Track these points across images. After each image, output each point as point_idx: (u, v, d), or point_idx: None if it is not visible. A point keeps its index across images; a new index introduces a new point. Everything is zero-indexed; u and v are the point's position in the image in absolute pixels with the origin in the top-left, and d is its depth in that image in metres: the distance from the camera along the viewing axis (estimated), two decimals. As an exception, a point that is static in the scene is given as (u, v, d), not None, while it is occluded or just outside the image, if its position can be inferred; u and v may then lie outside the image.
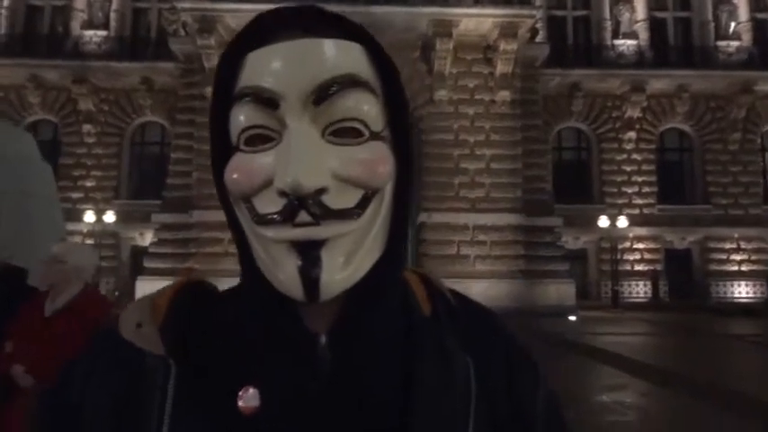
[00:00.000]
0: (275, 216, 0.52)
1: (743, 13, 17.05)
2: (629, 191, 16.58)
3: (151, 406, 0.52)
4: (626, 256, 16.08)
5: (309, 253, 0.51)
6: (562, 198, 15.46)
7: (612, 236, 15.46)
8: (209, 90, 12.58)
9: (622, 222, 15.42)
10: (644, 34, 16.79)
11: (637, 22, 16.74)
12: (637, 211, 16.30)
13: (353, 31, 0.56)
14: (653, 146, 17.01)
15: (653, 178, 16.73)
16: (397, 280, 0.60)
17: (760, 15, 17.48)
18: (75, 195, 15.77)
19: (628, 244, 16.17)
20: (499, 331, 0.67)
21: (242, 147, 0.54)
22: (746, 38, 16.90)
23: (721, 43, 16.70)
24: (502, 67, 14.25)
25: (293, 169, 0.50)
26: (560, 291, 13.35)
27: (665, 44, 17.20)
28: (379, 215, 0.55)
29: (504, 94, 14.38)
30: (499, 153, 14.24)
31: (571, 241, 15.77)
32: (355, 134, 0.53)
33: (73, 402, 0.55)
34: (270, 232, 0.52)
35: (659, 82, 16.37)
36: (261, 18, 0.56)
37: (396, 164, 0.56)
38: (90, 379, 0.55)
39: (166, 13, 16.04)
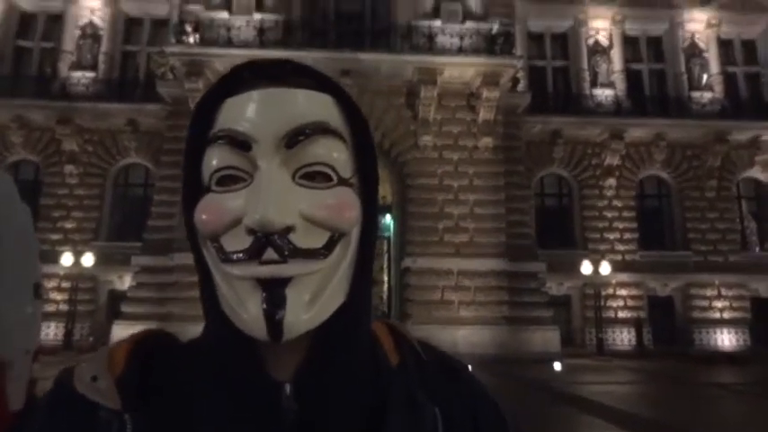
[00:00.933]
0: (242, 254, 0.52)
1: (714, 66, 17.78)
2: (611, 237, 16.78)
3: None
4: (609, 303, 16.11)
5: (274, 291, 0.51)
6: (545, 244, 15.58)
7: (596, 282, 15.52)
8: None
9: (605, 268, 15.51)
10: (621, 84, 17.37)
11: (613, 72, 17.33)
12: (619, 258, 16.45)
13: (325, 84, 0.58)
14: (633, 192, 17.33)
15: (634, 225, 16.98)
16: (363, 326, 0.59)
17: (730, 69, 18.22)
18: (54, 237, 15.50)
19: (611, 290, 16.23)
20: (468, 383, 0.66)
21: (213, 187, 0.55)
22: (718, 89, 17.56)
23: (695, 94, 17.31)
24: (485, 114, 14.57)
25: (263, 206, 0.51)
26: (545, 338, 13.27)
27: (641, 94, 17.80)
28: (344, 258, 0.56)
29: (487, 141, 14.66)
30: (483, 198, 14.39)
31: (555, 287, 15.79)
32: (324, 179, 0.55)
33: None
34: (236, 270, 0.52)
35: (637, 130, 16.84)
36: (238, 68, 0.58)
37: (362, 210, 0.58)
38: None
39: (155, 56, 16.25)
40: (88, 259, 14.80)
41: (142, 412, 0.54)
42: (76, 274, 14.72)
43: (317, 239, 0.54)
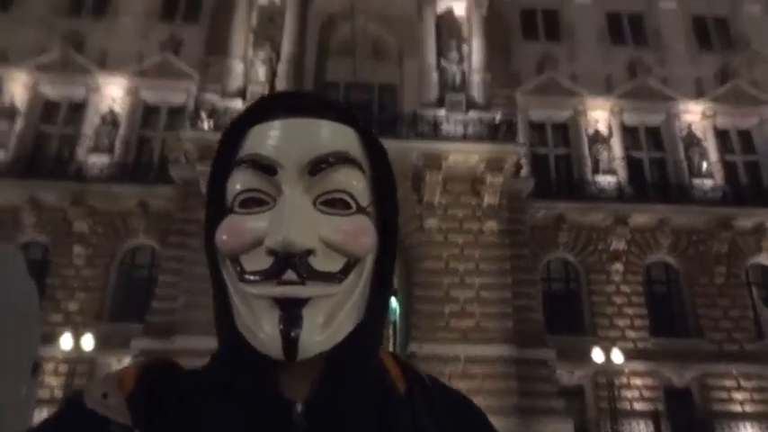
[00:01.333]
0: (261, 274, 0.54)
1: (713, 154, 18.19)
2: (621, 323, 16.43)
3: None
4: (624, 393, 15.48)
5: (291, 311, 0.53)
6: (553, 329, 15.25)
7: (608, 370, 15.00)
8: (204, 214, 13.02)
9: (617, 356, 15.04)
10: (622, 171, 17.72)
11: (614, 159, 17.74)
12: (631, 345, 16.01)
13: (347, 117, 0.63)
14: (640, 278, 17.17)
15: (643, 311, 16.67)
16: (374, 351, 0.61)
17: (729, 157, 18.63)
18: (56, 318, 15.35)
19: (625, 380, 15.65)
20: (475, 416, 0.65)
21: (236, 209, 0.58)
22: (719, 177, 17.87)
23: (696, 181, 17.59)
24: (489, 199, 14.80)
25: (287, 228, 0.53)
26: (558, 430, 12.65)
27: (643, 180, 18.10)
28: (359, 284, 0.58)
29: (493, 224, 14.78)
30: (489, 282, 14.29)
31: (566, 375, 15.27)
32: (343, 206, 0.58)
33: None
34: (254, 289, 0.54)
35: (641, 216, 16.96)
36: (265, 99, 0.62)
37: (378, 239, 0.60)
38: None
39: (169, 141, 16.85)
40: (88, 341, 14.51)
41: (152, 429, 0.54)
42: (75, 357, 14.40)
43: (335, 264, 0.56)
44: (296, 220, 0.54)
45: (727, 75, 19.18)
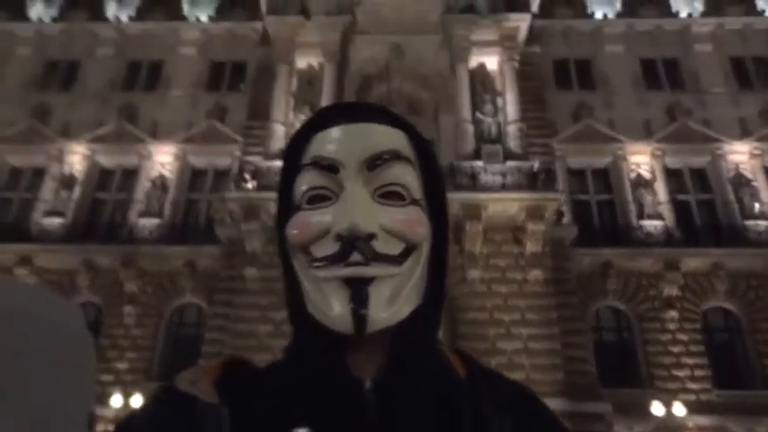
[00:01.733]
0: (330, 258, 0.61)
1: (764, 194, 17.54)
2: (681, 374, 15.52)
3: None
4: (689, 450, 14.44)
5: (359, 288, 0.60)
6: (607, 382, 14.53)
7: (670, 426, 14.10)
8: (248, 271, 13.16)
9: (678, 410, 14.16)
10: (669, 215, 17.23)
11: (659, 203, 17.31)
12: (693, 397, 15.05)
13: (398, 121, 0.71)
14: (698, 325, 16.32)
15: (704, 360, 15.74)
16: (435, 331, 0.66)
17: (783, 197, 17.89)
18: (107, 378, 15.63)
19: (689, 435, 14.63)
20: (532, 398, 0.68)
21: (304, 206, 0.66)
22: (773, 217, 17.13)
23: (749, 222, 16.91)
24: (532, 247, 14.60)
25: (350, 215, 0.61)
26: (619, 489, 11.84)
27: (691, 223, 17.52)
28: (417, 267, 0.65)
29: (537, 273, 14.50)
30: (536, 332, 13.88)
31: (624, 431, 14.40)
32: (398, 198, 0.65)
33: None
34: (324, 272, 0.62)
35: (693, 260, 16.33)
36: (324, 110, 0.71)
37: (432, 229, 0.67)
38: (150, 426, 0.58)
39: (215, 202, 17.49)
40: (137, 400, 14.69)
41: (237, 406, 0.61)
42: (125, 416, 14.54)
43: (395, 248, 0.63)
44: (359, 208, 0.62)
45: (773, 113, 18.75)
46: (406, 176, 0.66)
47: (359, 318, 0.59)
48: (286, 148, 0.71)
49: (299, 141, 0.70)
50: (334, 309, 0.60)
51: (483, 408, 0.64)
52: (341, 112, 0.69)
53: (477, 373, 0.70)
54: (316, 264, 0.62)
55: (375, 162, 0.65)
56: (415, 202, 0.67)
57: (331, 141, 0.66)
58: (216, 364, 0.67)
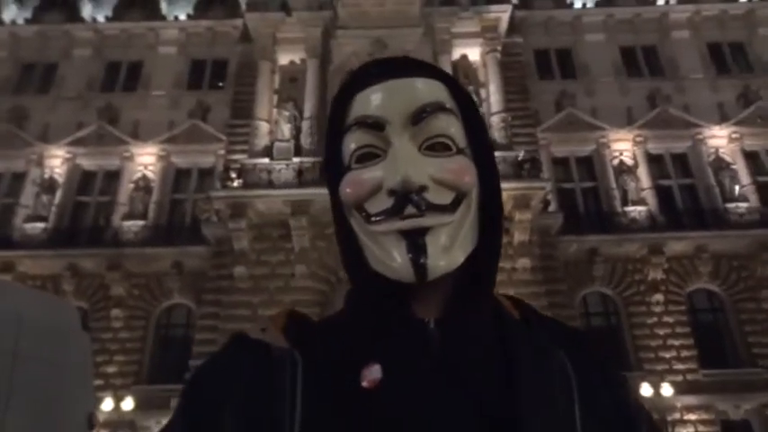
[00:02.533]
0: (385, 213, 0.63)
1: (744, 177, 17.87)
2: (667, 355, 15.81)
3: (283, 390, 0.58)
4: (678, 430, 14.74)
5: (416, 239, 0.62)
6: (598, 366, 14.74)
7: (659, 406, 14.34)
8: (237, 270, 13.08)
9: (667, 390, 14.44)
10: (652, 200, 17.48)
11: (643, 189, 17.55)
12: (680, 378, 15.35)
13: (437, 73, 0.72)
14: (683, 307, 16.63)
15: (690, 341, 16.05)
16: (490, 276, 0.67)
17: (761, 179, 18.26)
18: (97, 382, 15.43)
19: (677, 415, 14.93)
20: (589, 339, 0.70)
21: (353, 165, 0.67)
22: (753, 199, 17.48)
23: (730, 205, 17.23)
24: (519, 236, 14.73)
25: (401, 170, 0.63)
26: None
27: (674, 208, 17.80)
28: (469, 214, 0.67)
29: (525, 261, 14.65)
30: (526, 320, 14.01)
31: (615, 414, 14.62)
32: (444, 148, 0.67)
33: (210, 396, 0.58)
34: (381, 227, 0.63)
35: (676, 244, 16.61)
36: (363, 68, 0.72)
37: (479, 175, 0.69)
38: (226, 371, 0.59)
39: (200, 202, 17.34)
40: (128, 404, 14.59)
41: (308, 350, 0.63)
42: (116, 419, 14.45)
43: (446, 197, 0.65)
44: (409, 162, 0.63)
45: (749, 98, 19.10)
46: (451, 127, 0.68)
47: (419, 266, 0.61)
48: (330, 111, 0.72)
49: (341, 103, 0.71)
50: (395, 260, 0.62)
51: (539, 346, 0.66)
52: (380, 69, 0.70)
53: (531, 314, 0.73)
54: (372, 219, 0.64)
55: (419, 115, 0.66)
56: (460, 151, 0.68)
57: (373, 99, 0.67)
58: (281, 314, 0.69)
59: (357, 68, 0.73)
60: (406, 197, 0.62)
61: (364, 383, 0.59)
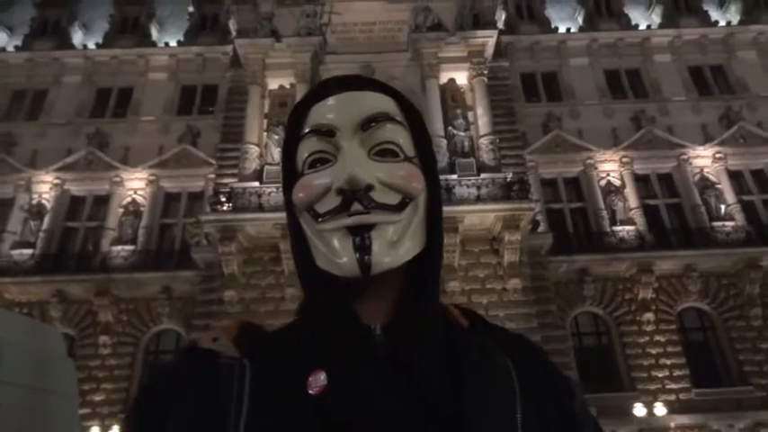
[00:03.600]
0: (333, 211, 0.67)
1: (729, 196, 18.11)
2: (660, 375, 15.78)
3: (229, 397, 0.59)
4: (673, 450, 14.63)
5: (362, 234, 0.66)
6: (588, 387, 14.61)
7: (653, 426, 14.29)
8: (228, 294, 12.95)
9: (660, 410, 14.38)
10: (640, 219, 17.63)
11: (631, 209, 17.72)
12: (673, 397, 15.31)
13: (387, 89, 0.76)
14: (673, 326, 16.67)
15: (681, 360, 16.05)
16: (435, 281, 0.70)
17: (746, 198, 18.52)
18: (83, 411, 15.15)
19: (672, 435, 14.83)
20: (533, 346, 0.73)
21: (306, 171, 0.71)
22: (739, 218, 17.68)
23: (716, 224, 17.42)
24: (509, 257, 14.77)
25: (350, 168, 0.67)
26: (607, 493, 11.89)
27: (662, 227, 17.95)
28: (415, 216, 0.70)
29: (515, 282, 14.66)
30: (518, 341, 13.97)
31: (609, 435, 14.51)
32: (392, 155, 0.71)
33: (159, 401, 0.60)
34: (329, 225, 0.67)
35: (665, 263, 16.71)
36: (321, 83, 0.76)
37: (425, 183, 0.72)
38: (175, 378, 0.61)
39: (189, 226, 17.25)
40: (115, 433, 14.28)
41: (257, 359, 0.65)
42: (102, 450, 14.12)
43: (392, 199, 0.68)
44: (355, 162, 0.67)
45: (731, 118, 19.47)
46: (399, 136, 0.71)
47: (363, 261, 0.63)
48: (287, 121, 0.76)
49: (298, 114, 0.74)
50: (341, 256, 0.65)
51: (485, 351, 0.68)
52: (335, 84, 0.74)
53: (478, 322, 0.75)
54: (321, 218, 0.67)
55: (368, 123, 0.69)
56: (408, 159, 0.71)
57: (327, 109, 0.71)
58: (232, 325, 0.71)
59: (316, 84, 0.77)
60: (353, 195, 0.65)
61: (311, 390, 0.60)
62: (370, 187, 0.66)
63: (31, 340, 4.29)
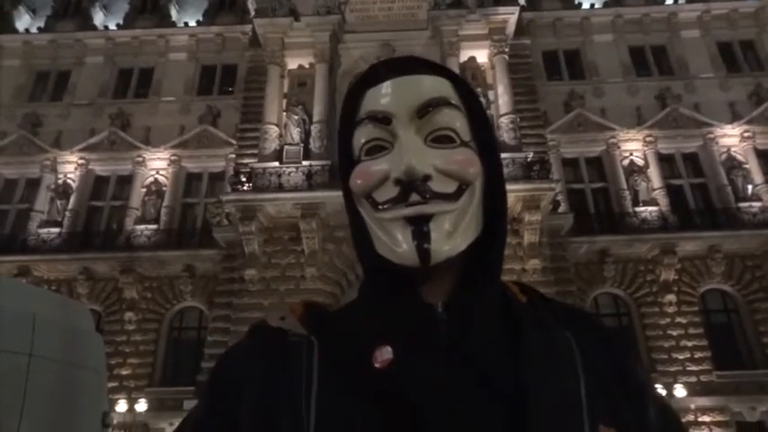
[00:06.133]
0: (392, 201, 0.68)
1: (756, 176, 17.67)
2: (681, 357, 15.66)
3: (299, 370, 0.61)
4: (693, 432, 14.58)
5: (420, 225, 0.67)
6: (609, 367, 14.65)
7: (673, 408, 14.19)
8: (248, 273, 13.12)
9: (680, 392, 14.31)
10: (663, 200, 17.32)
11: (654, 189, 17.41)
12: (693, 379, 15.20)
13: (443, 71, 0.76)
14: (696, 308, 16.47)
15: (703, 342, 15.89)
16: (496, 262, 0.71)
17: (774, 178, 18.01)
18: (110, 385, 15.60)
19: (692, 417, 14.77)
20: (593, 318, 0.73)
21: (363, 158, 0.72)
22: (766, 198, 17.26)
23: (743, 204, 17.05)
24: (529, 237, 14.69)
25: (407, 160, 0.67)
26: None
27: (686, 208, 17.63)
28: (472, 203, 0.70)
29: (535, 263, 14.59)
30: (537, 322, 13.96)
31: (627, 416, 14.50)
32: (449, 141, 0.71)
33: (232, 380, 0.63)
34: (388, 214, 0.68)
35: (689, 244, 16.45)
36: (373, 67, 0.76)
37: (483, 168, 0.72)
38: (246, 357, 0.64)
39: (211, 206, 17.48)
40: (141, 406, 14.72)
41: (324, 336, 0.67)
42: (130, 422, 14.59)
43: (449, 187, 0.68)
44: (413, 153, 0.67)
45: (761, 96, 18.91)
46: (455, 121, 0.71)
47: (423, 251, 0.64)
48: (342, 108, 0.77)
49: (352, 100, 0.75)
50: (400, 245, 0.66)
51: (545, 326, 0.69)
52: (388, 68, 0.74)
53: (537, 298, 0.76)
54: (380, 207, 0.68)
55: (425, 109, 0.69)
56: (465, 144, 0.71)
57: (382, 95, 0.71)
58: (298, 304, 0.73)
59: (368, 68, 0.77)
60: (410, 185, 0.66)
61: (377, 364, 0.62)
62: (427, 177, 0.67)
63: (61, 316, 4.43)
